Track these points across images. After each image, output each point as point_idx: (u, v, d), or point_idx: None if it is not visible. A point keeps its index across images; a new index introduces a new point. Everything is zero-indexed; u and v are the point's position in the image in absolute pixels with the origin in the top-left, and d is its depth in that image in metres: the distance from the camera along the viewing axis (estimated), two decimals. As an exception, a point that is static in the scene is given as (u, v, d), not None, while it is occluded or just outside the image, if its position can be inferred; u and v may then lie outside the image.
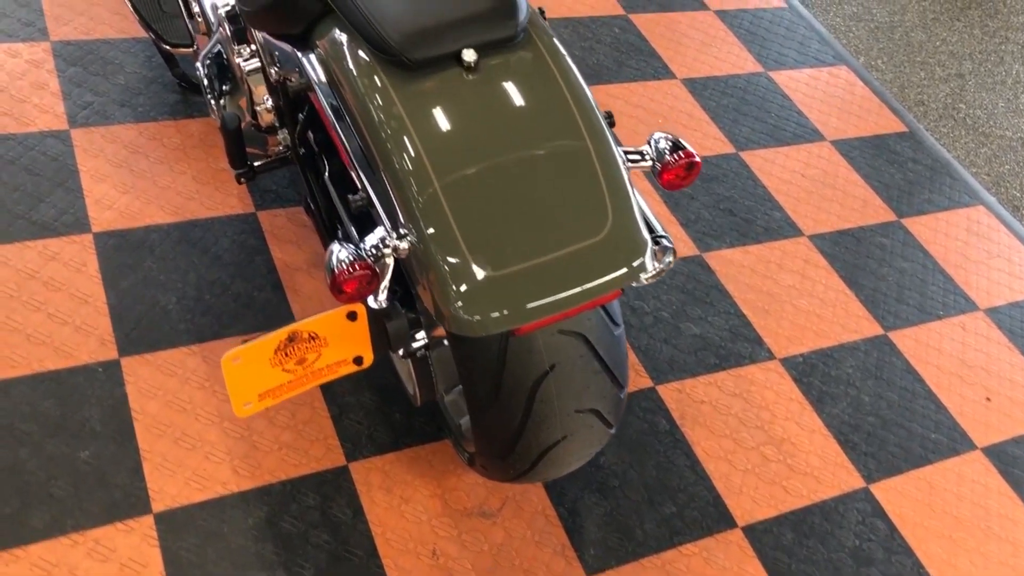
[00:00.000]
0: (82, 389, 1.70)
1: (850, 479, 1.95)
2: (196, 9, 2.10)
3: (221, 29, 1.84)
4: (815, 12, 3.40)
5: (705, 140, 2.65)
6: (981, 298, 2.43)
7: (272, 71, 1.70)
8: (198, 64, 1.91)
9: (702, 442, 1.93)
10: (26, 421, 1.63)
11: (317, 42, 1.40)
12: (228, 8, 1.81)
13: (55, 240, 1.91)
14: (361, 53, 1.29)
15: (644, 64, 2.83)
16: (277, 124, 1.83)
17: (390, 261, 1.23)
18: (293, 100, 1.67)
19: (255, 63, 1.76)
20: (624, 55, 2.83)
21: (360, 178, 1.30)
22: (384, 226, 1.24)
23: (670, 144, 1.33)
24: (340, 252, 1.20)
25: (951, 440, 2.08)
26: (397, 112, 1.23)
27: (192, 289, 1.90)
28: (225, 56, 1.88)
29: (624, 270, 1.20)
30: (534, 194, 1.20)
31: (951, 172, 2.81)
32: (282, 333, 1.31)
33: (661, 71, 2.83)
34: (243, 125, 1.85)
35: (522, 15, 1.29)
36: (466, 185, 1.19)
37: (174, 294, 1.88)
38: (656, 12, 3.07)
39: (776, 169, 2.63)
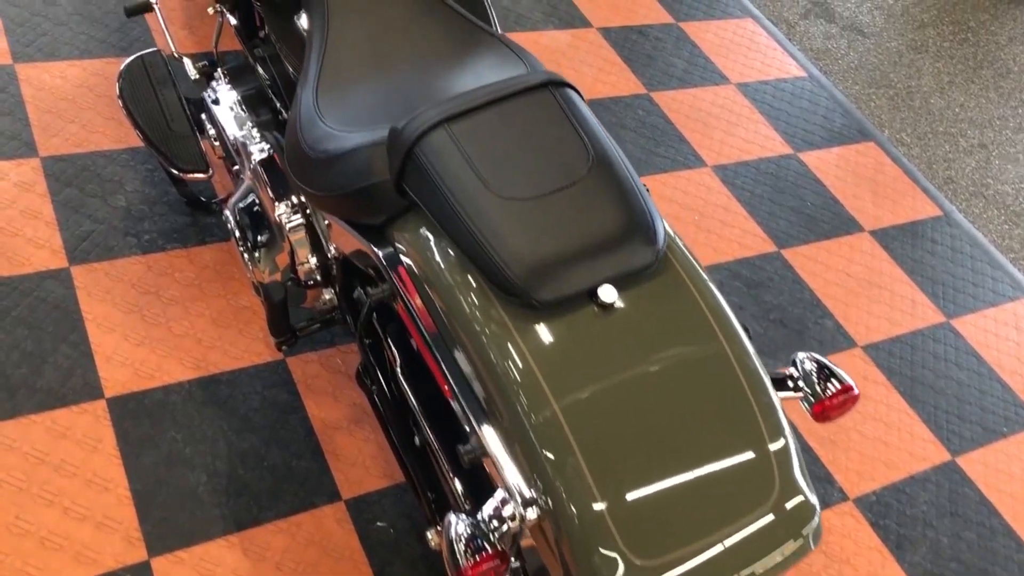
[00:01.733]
0: (109, 602, 1.49)
1: (940, 639, 1.82)
2: (212, 132, 1.88)
3: (255, 178, 1.64)
4: (834, 80, 3.27)
5: (744, 238, 2.50)
6: (1040, 407, 2.33)
7: (329, 248, 1.50)
8: (227, 212, 1.69)
9: (785, 607, 1.78)
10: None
11: (402, 244, 1.21)
12: (264, 156, 1.61)
13: (64, 411, 1.68)
14: (471, 279, 1.11)
15: (673, 151, 2.67)
16: (321, 281, 1.63)
17: (517, 536, 1.04)
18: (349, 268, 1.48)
19: (299, 220, 1.56)
20: (651, 141, 2.67)
21: (475, 428, 1.11)
22: (507, 489, 1.06)
23: (817, 367, 1.17)
24: (461, 530, 1.01)
25: (1033, 581, 1.97)
26: (525, 361, 1.04)
27: (223, 463, 1.69)
28: (257, 203, 1.67)
29: (797, 543, 1.03)
30: (690, 456, 1.03)
31: (991, 261, 2.70)
32: None
33: (691, 159, 2.67)
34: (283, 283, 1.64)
35: (661, 238, 1.11)
36: (614, 452, 1.01)
37: (203, 471, 1.67)
38: (678, 88, 2.91)
39: (820, 268, 2.49)
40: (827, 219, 2.64)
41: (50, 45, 2.29)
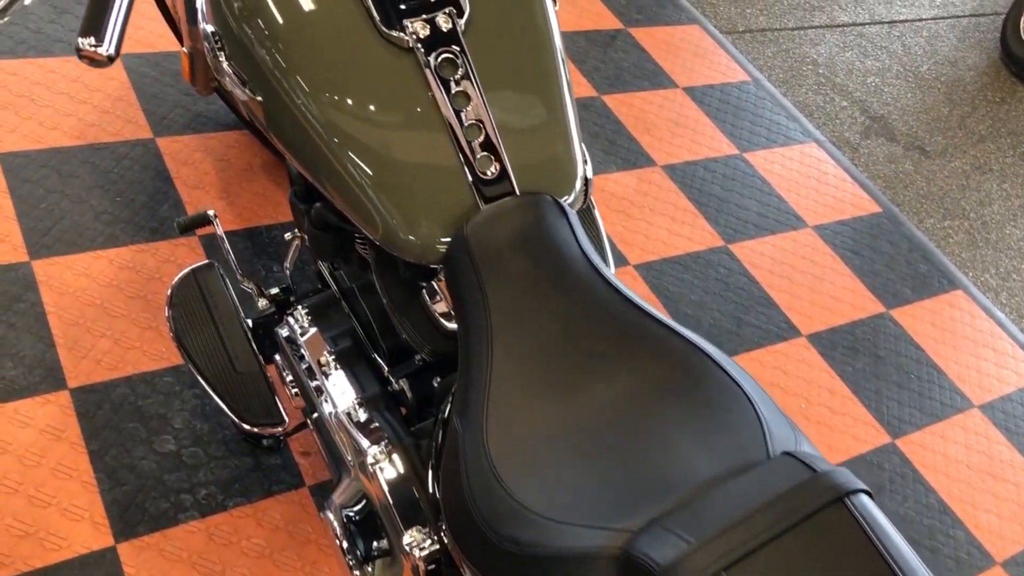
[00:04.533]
0: None
1: None
2: (290, 377, 1.57)
3: (370, 484, 1.33)
4: (908, 213, 3.05)
5: (855, 427, 2.24)
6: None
7: None
8: (328, 513, 1.38)
9: None
10: None
11: None
12: (388, 471, 1.30)
13: None
14: None
15: (763, 318, 2.41)
16: None
17: None
18: None
19: (433, 549, 1.25)
20: (738, 306, 2.41)
21: None
22: None
23: None
24: None
25: None
26: None
27: None
28: (371, 511, 1.36)
29: None
30: None
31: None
32: None
33: (784, 327, 2.41)
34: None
35: None
36: None
37: None
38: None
39: (940, 462, 2.24)
40: (925, 387, 2.40)
41: (70, 232, 1.96)
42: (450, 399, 1.24)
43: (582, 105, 2.84)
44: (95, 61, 0.92)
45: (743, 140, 2.95)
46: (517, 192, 1.19)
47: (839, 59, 3.57)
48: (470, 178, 1.17)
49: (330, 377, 1.46)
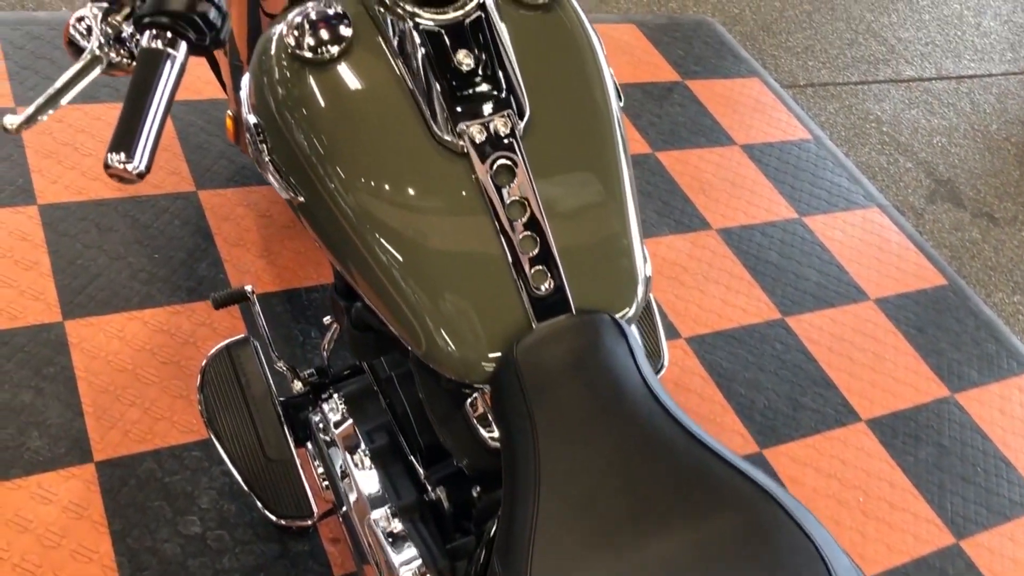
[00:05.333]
0: None
1: None
2: (320, 469, 1.49)
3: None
4: (975, 286, 2.90)
5: (917, 525, 2.11)
6: None
7: None
8: None
9: None
10: None
11: None
12: None
13: None
14: None
15: (821, 400, 2.29)
16: None
17: None
18: None
19: None
20: (796, 387, 2.29)
21: None
22: None
23: None
24: None
25: None
26: None
27: None
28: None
29: None
30: None
31: None
32: None
33: (842, 411, 2.29)
34: None
35: None
36: None
37: None
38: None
39: (1001, 562, 2.10)
40: (977, 463, 2.26)
41: (105, 291, 1.90)
42: (489, 527, 1.15)
43: (636, 162, 2.74)
44: (124, 179, 0.85)
45: (803, 203, 2.83)
46: (573, 310, 1.09)
47: (904, 116, 3.43)
48: (523, 294, 1.08)
49: (362, 476, 1.38)
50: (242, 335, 1.64)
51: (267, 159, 1.15)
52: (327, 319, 1.51)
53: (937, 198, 3.16)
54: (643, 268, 1.19)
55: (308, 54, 1.07)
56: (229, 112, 1.83)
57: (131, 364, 1.81)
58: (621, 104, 1.23)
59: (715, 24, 3.43)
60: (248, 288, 1.60)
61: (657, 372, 1.82)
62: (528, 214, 1.08)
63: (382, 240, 1.07)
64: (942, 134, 3.42)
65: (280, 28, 1.10)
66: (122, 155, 0.84)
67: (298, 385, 1.55)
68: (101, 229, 2.01)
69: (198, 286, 1.99)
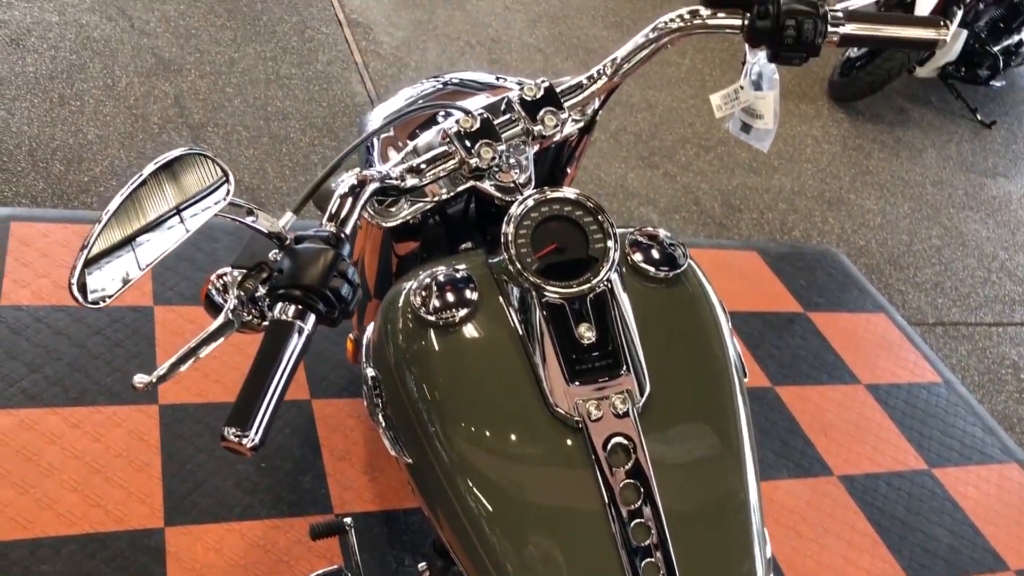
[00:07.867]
0: None
1: None
2: None
3: None
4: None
5: None
6: None
7: None
8: None
9: None
10: None
11: None
12: None
13: None
14: None
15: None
16: None
17: None
18: None
19: None
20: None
21: None
22: None
23: None
24: None
25: None
26: None
27: None
28: None
29: None
30: None
31: None
32: None
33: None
34: None
35: None
36: None
37: None
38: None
39: None
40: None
41: (209, 499, 1.90)
42: None
43: (755, 397, 2.65)
44: (237, 452, 0.84)
45: (932, 453, 2.66)
46: None
47: (1044, 363, 3.25)
48: None
49: None
50: (335, 567, 1.59)
51: (380, 415, 1.13)
52: (421, 566, 1.45)
53: (1084, 456, 2.92)
54: (763, 557, 1.10)
55: (432, 317, 1.07)
56: (351, 336, 1.87)
57: (223, 580, 1.78)
58: (745, 379, 1.18)
59: (840, 255, 3.39)
60: (347, 520, 1.57)
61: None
62: (641, 501, 1.02)
63: (486, 511, 1.03)
64: (1087, 385, 3.21)
65: (410, 285, 1.11)
66: (237, 428, 0.83)
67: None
68: (214, 434, 2.04)
69: (299, 500, 1.97)
